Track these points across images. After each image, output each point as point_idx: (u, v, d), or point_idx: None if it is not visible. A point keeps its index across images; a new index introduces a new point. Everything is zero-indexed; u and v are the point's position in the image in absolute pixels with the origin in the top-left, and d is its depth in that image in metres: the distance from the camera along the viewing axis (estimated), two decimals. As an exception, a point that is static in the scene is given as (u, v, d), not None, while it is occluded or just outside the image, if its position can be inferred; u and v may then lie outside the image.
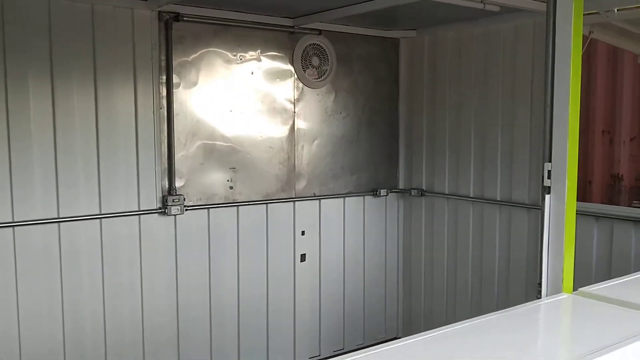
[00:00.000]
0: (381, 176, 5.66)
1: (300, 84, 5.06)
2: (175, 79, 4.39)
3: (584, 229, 4.26)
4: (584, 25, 2.50)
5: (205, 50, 4.53)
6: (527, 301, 2.36)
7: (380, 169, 5.66)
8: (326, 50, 5.15)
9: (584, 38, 2.43)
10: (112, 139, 4.15)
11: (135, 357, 4.37)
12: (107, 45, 4.07)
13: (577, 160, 2.52)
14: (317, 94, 5.18)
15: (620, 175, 4.61)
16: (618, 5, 4.11)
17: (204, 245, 4.64)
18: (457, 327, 2.00)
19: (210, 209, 4.65)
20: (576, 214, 2.54)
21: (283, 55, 4.94)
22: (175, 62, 4.38)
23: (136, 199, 4.28)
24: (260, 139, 4.87)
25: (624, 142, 4.58)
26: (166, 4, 4.13)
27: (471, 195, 5.18)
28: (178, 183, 4.46)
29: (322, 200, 5.28)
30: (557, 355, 1.86)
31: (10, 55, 3.73)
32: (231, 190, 4.74)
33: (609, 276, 3.86)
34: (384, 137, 5.65)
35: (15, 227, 3.84)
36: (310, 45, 5.06)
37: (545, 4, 2.59)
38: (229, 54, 4.66)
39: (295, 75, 5.02)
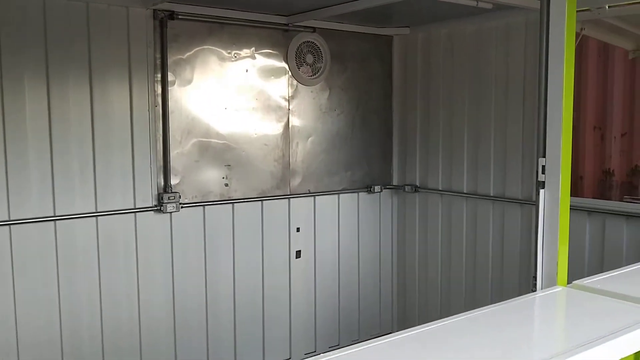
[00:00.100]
0: (375, 173, 5.70)
1: (295, 82, 5.08)
2: (170, 77, 4.40)
3: (577, 223, 4.31)
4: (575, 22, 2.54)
5: (200, 48, 4.54)
6: (520, 294, 2.38)
7: (374, 165, 5.69)
8: (320, 48, 5.17)
9: (576, 35, 2.46)
10: (108, 136, 4.16)
11: (132, 355, 4.39)
12: (102, 43, 4.08)
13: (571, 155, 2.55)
14: (312, 91, 5.20)
15: (611, 171, 4.66)
16: (609, 2, 4.16)
17: (200, 242, 4.66)
18: (453, 320, 2.01)
19: (206, 206, 4.66)
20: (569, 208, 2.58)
21: (277, 52, 4.96)
22: (170, 60, 4.39)
23: (132, 196, 4.29)
24: (255, 136, 4.88)
25: (615, 137, 4.62)
26: (161, 2, 4.13)
27: (465, 191, 5.22)
28: (173, 180, 4.47)
29: (317, 197, 5.30)
30: (553, 345, 1.90)
31: (6, 50, 3.73)
32: (226, 187, 4.75)
33: (601, 270, 3.90)
34: (378, 134, 5.68)
35: (12, 226, 3.84)
36: (304, 42, 5.08)
37: (537, 1, 2.63)
38: (224, 52, 4.67)
39: (290, 73, 5.03)
